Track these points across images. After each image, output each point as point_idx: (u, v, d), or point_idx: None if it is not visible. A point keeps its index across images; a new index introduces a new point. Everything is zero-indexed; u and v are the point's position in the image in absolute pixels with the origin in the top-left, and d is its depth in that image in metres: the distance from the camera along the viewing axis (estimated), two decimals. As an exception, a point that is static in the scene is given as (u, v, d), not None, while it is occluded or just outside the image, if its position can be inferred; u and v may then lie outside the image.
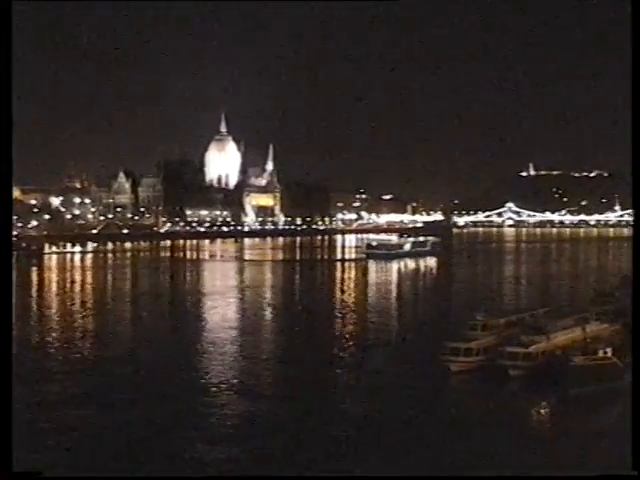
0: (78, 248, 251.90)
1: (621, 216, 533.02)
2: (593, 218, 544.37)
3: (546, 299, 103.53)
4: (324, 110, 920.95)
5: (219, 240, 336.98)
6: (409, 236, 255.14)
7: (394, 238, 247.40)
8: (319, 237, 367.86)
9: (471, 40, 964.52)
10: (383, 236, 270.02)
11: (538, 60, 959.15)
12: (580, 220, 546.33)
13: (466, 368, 63.73)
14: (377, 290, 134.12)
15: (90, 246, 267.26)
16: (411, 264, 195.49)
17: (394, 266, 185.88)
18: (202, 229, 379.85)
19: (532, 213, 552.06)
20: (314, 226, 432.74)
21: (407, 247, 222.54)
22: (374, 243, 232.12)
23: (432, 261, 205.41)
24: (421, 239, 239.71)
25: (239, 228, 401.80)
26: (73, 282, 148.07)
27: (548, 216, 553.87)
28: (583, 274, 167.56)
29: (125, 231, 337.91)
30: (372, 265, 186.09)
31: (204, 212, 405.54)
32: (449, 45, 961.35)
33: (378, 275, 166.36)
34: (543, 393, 58.52)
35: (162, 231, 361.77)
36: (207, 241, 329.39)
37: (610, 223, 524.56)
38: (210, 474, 40.19)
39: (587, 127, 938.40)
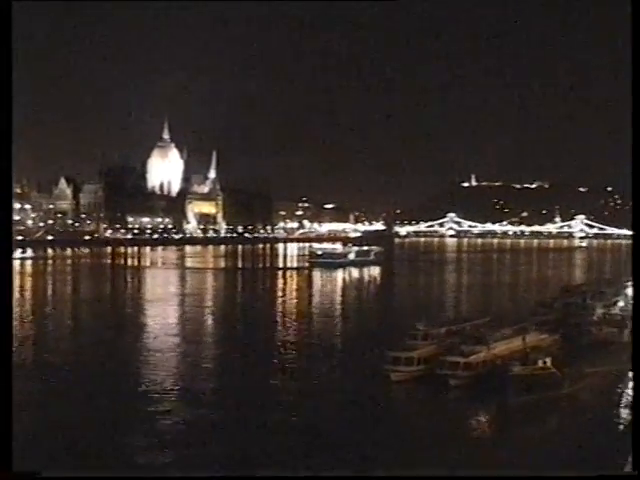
0: (17, 254, 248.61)
1: (561, 227, 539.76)
2: (533, 229, 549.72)
3: (487, 309, 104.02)
4: (269, 118, 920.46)
5: (160, 247, 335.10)
6: (353, 245, 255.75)
7: (339, 247, 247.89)
8: (261, 245, 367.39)
9: (416, 49, 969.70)
10: (328, 245, 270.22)
11: (479, 70, 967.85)
12: (521, 231, 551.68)
13: (407, 377, 63.77)
14: (321, 299, 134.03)
15: (30, 252, 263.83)
16: (355, 273, 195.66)
17: (339, 275, 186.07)
18: (143, 236, 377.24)
19: (473, 224, 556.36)
20: (256, 234, 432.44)
21: (351, 256, 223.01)
22: (319, 252, 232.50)
23: (376, 270, 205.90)
24: (365, 248, 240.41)
25: (181, 235, 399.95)
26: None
27: (489, 227, 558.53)
28: (523, 284, 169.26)
29: (65, 238, 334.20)
30: (317, 274, 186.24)
31: (146, 219, 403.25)
32: (392, 52, 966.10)
33: (323, 284, 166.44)
34: (483, 403, 58.77)
35: (103, 238, 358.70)
36: (148, 248, 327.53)
37: (550, 234, 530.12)
38: (210, 474, 40.10)
39: (528, 139, 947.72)
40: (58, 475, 22.64)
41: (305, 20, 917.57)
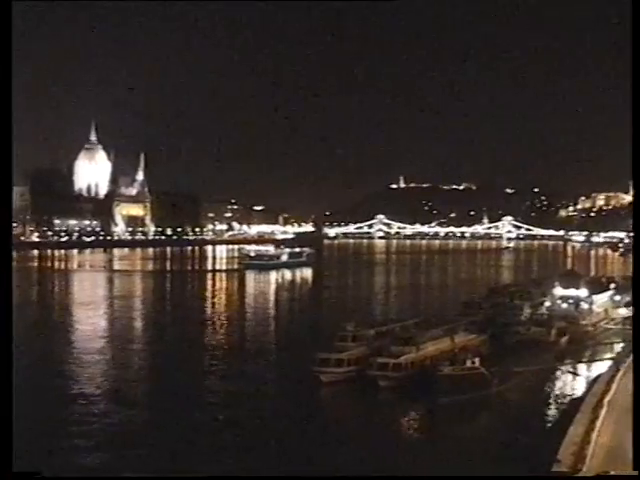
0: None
1: (489, 228, 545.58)
2: (462, 230, 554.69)
3: (416, 310, 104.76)
4: (198, 120, 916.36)
5: (88, 250, 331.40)
6: (286, 247, 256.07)
7: (272, 249, 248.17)
8: (190, 248, 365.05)
9: (340, 53, 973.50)
10: (261, 247, 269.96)
11: (405, 71, 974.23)
12: (449, 232, 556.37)
13: (337, 379, 63.89)
14: (254, 301, 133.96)
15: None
16: (288, 275, 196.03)
17: (272, 277, 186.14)
18: (71, 239, 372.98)
19: (402, 225, 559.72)
20: (185, 236, 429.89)
21: (284, 258, 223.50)
22: (252, 254, 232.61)
23: (308, 272, 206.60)
24: (297, 250, 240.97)
25: (108, 238, 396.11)
26: None
27: (418, 228, 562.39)
28: (452, 285, 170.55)
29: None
30: (250, 275, 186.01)
31: (73, 222, 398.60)
32: (312, 56, 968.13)
33: (256, 286, 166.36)
34: (412, 403, 59.06)
35: (29, 241, 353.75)
36: (75, 251, 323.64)
37: (478, 235, 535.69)
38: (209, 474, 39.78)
39: (456, 141, 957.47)
40: (58, 475, 22.59)
41: (216, 21, 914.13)
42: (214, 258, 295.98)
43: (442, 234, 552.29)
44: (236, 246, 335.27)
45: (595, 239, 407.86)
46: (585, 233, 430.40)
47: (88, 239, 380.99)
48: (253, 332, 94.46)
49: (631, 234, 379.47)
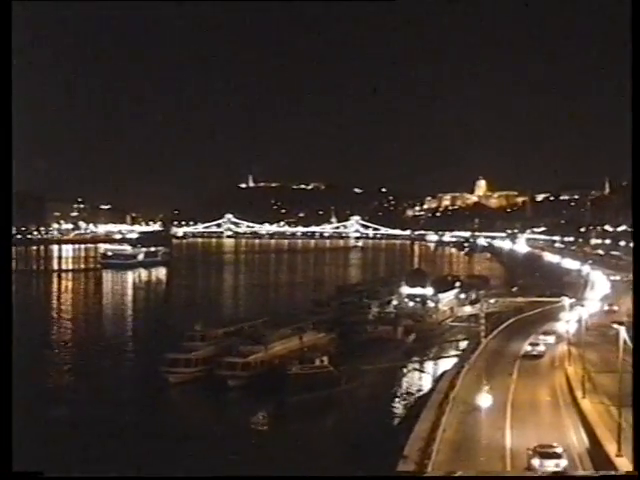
0: None
1: (337, 228, 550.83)
2: (310, 229, 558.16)
3: (265, 309, 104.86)
4: (42, 115, 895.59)
5: None
6: (142, 246, 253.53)
7: (128, 248, 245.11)
8: (34, 247, 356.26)
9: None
10: (117, 246, 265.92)
11: (262, 75, 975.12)
12: (299, 231, 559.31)
13: (185, 379, 63.52)
14: (112, 300, 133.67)
15: None
16: (144, 274, 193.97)
17: (129, 276, 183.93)
18: None
19: (251, 224, 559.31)
20: (29, 236, 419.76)
21: (140, 257, 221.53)
22: (109, 253, 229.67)
23: (162, 271, 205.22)
24: (153, 249, 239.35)
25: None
26: None
27: (267, 227, 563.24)
28: (300, 284, 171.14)
29: None
30: (107, 275, 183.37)
31: None
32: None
33: (113, 286, 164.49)
34: (261, 402, 59.12)
35: None
36: None
37: (327, 234, 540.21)
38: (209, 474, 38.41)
39: (305, 140, 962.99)
40: (58, 475, 21.59)
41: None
42: (60, 258, 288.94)
43: (291, 233, 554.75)
44: (83, 245, 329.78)
45: (445, 239, 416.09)
46: (440, 233, 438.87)
47: None
48: (105, 332, 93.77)
49: (476, 233, 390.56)
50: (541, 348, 68.33)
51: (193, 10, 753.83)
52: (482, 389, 44.09)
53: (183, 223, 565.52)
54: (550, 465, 36.28)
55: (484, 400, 43.18)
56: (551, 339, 72.02)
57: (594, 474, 20.50)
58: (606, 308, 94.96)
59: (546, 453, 37.33)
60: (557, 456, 37.25)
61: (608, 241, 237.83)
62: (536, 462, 36.56)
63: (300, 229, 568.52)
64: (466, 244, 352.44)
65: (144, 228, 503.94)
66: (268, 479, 39.37)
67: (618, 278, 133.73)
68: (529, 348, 68.48)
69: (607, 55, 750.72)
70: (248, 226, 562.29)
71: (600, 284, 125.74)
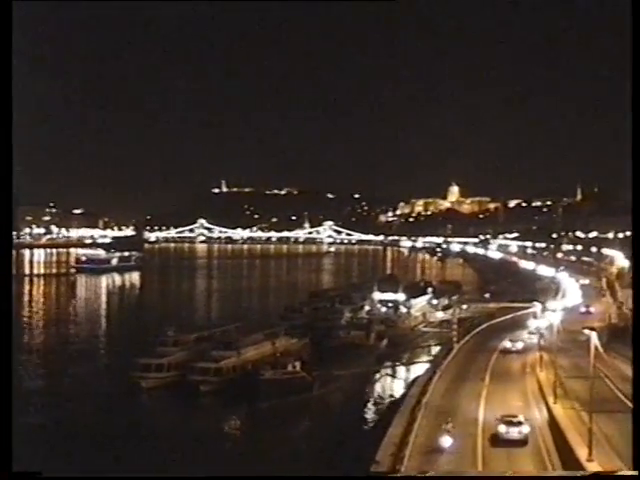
0: None
1: (310, 233, 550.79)
2: (283, 235, 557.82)
3: (237, 314, 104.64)
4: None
5: None
6: (115, 251, 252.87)
7: (102, 253, 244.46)
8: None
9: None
10: (91, 250, 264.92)
11: (219, 78, 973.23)
12: (271, 237, 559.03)
13: (157, 384, 63.38)
14: (86, 304, 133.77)
15: None
16: (118, 278, 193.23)
17: (103, 281, 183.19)
18: None
19: (224, 229, 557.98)
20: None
21: (114, 262, 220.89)
22: (83, 257, 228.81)
23: (136, 276, 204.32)
24: (127, 254, 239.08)
25: None
26: None
27: (240, 232, 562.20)
28: (273, 290, 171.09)
29: None
30: (81, 279, 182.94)
31: None
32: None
33: (87, 291, 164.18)
34: (233, 407, 59.05)
35: None
36: None
37: (300, 240, 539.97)
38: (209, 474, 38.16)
39: (277, 146, 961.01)
40: (58, 475, 21.48)
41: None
42: (31, 262, 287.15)
43: (264, 239, 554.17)
44: (55, 250, 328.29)
45: (418, 244, 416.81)
46: (413, 238, 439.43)
47: None
48: (80, 335, 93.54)
49: (449, 239, 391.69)
50: (514, 350, 69.83)
51: (155, 18, 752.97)
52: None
53: (156, 228, 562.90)
54: (514, 432, 42.01)
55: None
56: (521, 345, 72.54)
57: (594, 474, 20.60)
58: (583, 310, 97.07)
59: (510, 422, 42.71)
60: (520, 424, 42.65)
61: (580, 247, 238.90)
62: (502, 428, 42.35)
63: (273, 234, 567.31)
64: (438, 250, 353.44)
65: (117, 233, 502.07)
66: (268, 479, 39.41)
67: (587, 282, 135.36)
68: (502, 350, 70.06)
69: (581, 62, 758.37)
70: (221, 231, 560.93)
71: (571, 289, 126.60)
